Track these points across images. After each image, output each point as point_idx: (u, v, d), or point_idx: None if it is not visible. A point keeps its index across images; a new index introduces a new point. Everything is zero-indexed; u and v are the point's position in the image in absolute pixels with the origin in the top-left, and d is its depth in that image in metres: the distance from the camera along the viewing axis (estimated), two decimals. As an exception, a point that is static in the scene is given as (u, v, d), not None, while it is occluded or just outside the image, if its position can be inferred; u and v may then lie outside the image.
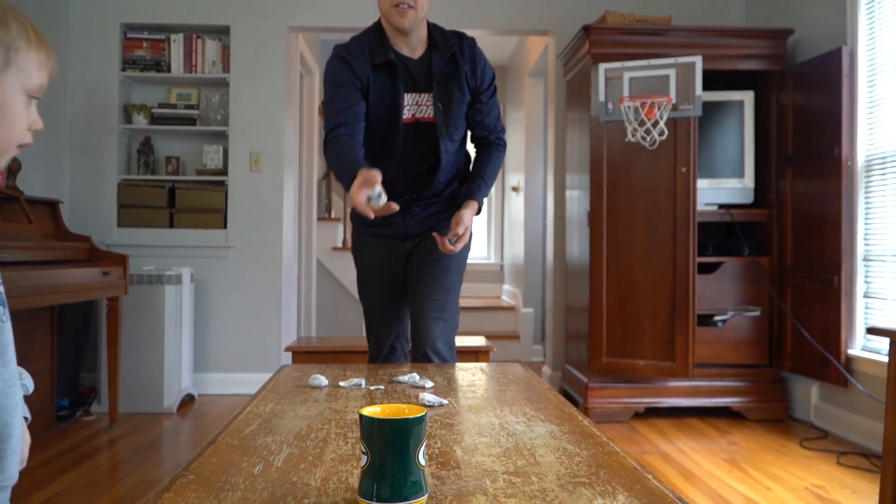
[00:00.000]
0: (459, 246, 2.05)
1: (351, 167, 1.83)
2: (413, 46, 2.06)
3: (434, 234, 2.09)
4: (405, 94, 2.03)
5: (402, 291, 2.25)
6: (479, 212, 2.13)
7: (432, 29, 2.10)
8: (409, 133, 2.06)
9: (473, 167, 2.21)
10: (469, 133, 2.23)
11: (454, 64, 2.07)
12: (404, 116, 2.04)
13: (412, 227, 2.17)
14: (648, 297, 3.58)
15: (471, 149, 2.28)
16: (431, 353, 2.11)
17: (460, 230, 2.03)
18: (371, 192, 1.71)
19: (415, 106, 2.05)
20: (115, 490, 2.54)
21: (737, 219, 3.75)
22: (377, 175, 1.73)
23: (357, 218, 2.19)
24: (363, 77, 1.99)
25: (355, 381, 1.68)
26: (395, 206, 1.78)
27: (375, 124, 2.05)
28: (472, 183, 2.14)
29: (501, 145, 2.23)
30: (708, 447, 3.15)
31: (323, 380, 1.67)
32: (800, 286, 3.57)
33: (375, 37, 2.04)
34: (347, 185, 1.82)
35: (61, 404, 3.69)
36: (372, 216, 1.75)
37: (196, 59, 4.30)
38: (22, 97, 0.88)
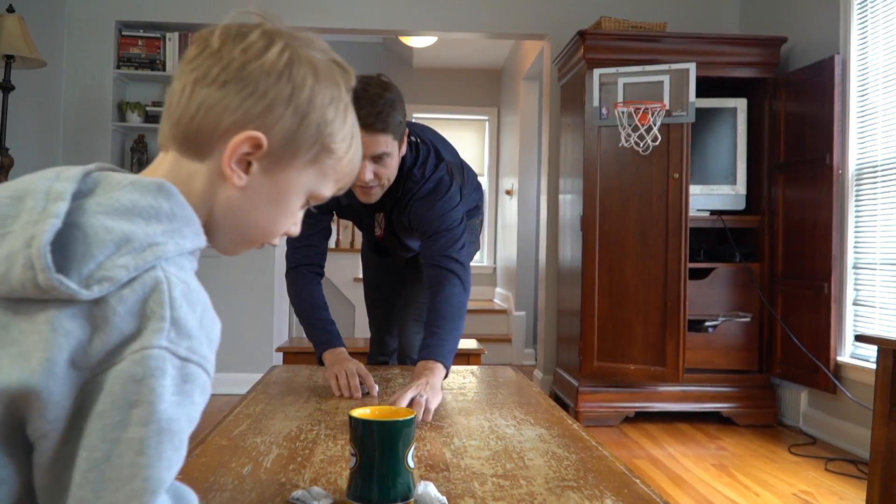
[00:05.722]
0: (429, 416, 1.42)
1: (322, 332, 1.81)
2: None
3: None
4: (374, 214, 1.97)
5: (401, 288, 2.32)
6: (446, 375, 1.63)
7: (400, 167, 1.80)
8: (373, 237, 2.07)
9: (427, 319, 1.75)
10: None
11: (397, 209, 1.89)
12: (376, 233, 2.02)
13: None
14: (640, 302, 3.59)
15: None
16: (409, 362, 2.18)
17: (405, 403, 1.40)
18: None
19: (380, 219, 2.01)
20: (103, 489, 2.53)
21: (728, 225, 3.77)
22: (346, 368, 1.63)
23: (365, 245, 2.29)
24: (330, 201, 1.97)
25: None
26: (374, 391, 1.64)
27: (350, 217, 2.03)
28: (426, 340, 1.69)
29: (452, 276, 1.75)
30: (697, 452, 3.16)
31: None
32: (790, 293, 3.59)
33: None
34: (313, 341, 1.81)
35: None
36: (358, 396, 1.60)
37: (191, 58, 4.30)
38: (303, 198, 0.76)
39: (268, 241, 0.77)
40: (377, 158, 1.62)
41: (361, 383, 1.63)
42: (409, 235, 1.97)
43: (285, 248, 1.99)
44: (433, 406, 1.42)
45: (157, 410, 0.57)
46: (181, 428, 0.59)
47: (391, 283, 2.31)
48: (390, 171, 1.68)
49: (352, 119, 0.76)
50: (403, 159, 1.78)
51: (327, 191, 0.77)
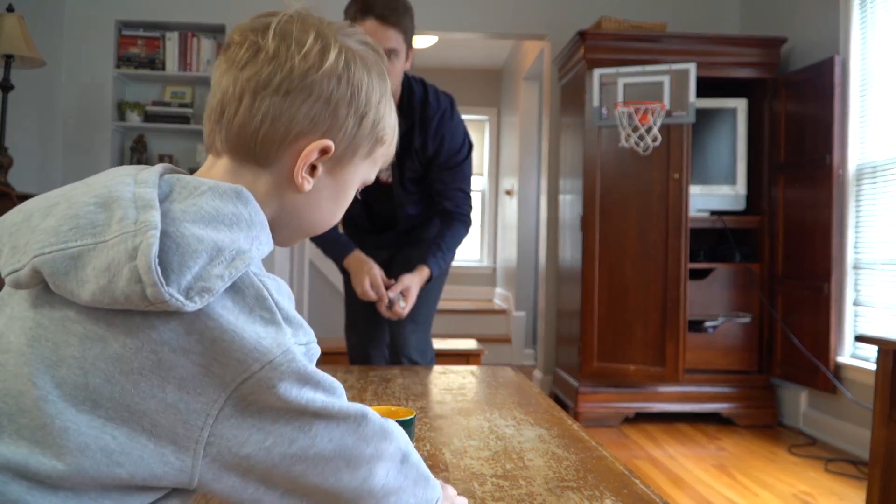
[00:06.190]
0: (406, 311, 1.95)
1: (336, 243, 2.02)
2: None
3: (382, 299, 1.97)
4: None
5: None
6: (429, 280, 2.03)
7: (406, 92, 1.93)
8: (373, 188, 2.09)
9: (434, 235, 2.12)
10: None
11: (408, 138, 1.94)
12: (382, 178, 2.05)
13: (390, 241, 2.23)
14: (640, 302, 3.59)
15: None
16: (405, 360, 2.18)
17: (397, 293, 1.93)
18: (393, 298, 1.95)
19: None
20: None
21: (729, 225, 3.77)
22: (377, 272, 1.94)
23: (348, 229, 2.27)
24: None
25: None
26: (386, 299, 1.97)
27: None
28: (428, 248, 2.06)
29: (464, 221, 2.10)
30: (697, 453, 3.16)
31: None
32: (790, 293, 3.59)
33: None
34: (335, 259, 2.05)
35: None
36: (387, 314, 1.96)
37: (191, 58, 4.30)
38: (357, 186, 0.81)
39: (325, 230, 0.81)
40: (386, 54, 1.68)
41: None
42: (416, 180, 2.02)
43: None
44: (410, 300, 1.93)
45: (307, 406, 0.62)
46: (323, 400, 0.63)
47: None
48: (395, 77, 1.75)
49: (392, 103, 0.79)
50: (413, 91, 1.88)
51: (374, 174, 0.81)
